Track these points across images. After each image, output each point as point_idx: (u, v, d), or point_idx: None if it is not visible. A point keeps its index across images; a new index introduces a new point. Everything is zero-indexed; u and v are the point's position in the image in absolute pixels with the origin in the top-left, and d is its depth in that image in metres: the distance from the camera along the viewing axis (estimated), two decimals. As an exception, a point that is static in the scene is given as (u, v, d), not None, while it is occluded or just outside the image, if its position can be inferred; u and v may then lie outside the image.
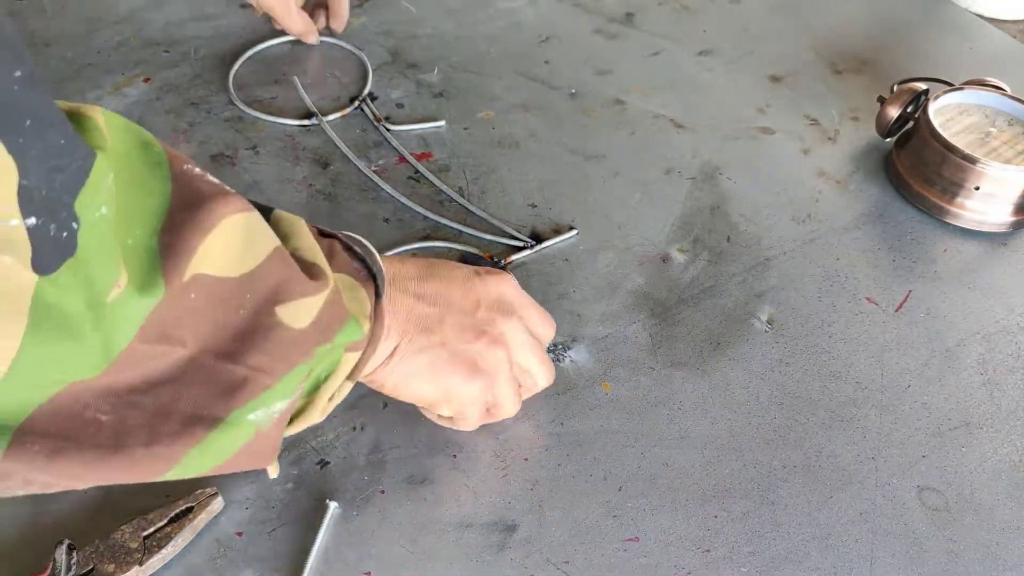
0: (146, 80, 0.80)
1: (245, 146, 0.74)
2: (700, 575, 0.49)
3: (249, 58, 0.83)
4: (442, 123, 0.78)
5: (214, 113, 0.77)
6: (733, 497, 0.53)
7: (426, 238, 0.67)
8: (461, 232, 0.68)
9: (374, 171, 0.72)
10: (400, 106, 0.79)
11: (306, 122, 0.76)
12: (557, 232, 0.68)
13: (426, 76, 0.83)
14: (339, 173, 0.72)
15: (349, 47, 0.85)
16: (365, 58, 0.84)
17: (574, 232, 0.68)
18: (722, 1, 0.96)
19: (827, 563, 0.50)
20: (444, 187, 0.70)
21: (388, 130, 0.76)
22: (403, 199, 0.70)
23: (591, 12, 0.93)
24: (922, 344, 0.62)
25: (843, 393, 0.59)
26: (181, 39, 0.85)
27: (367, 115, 0.78)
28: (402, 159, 0.74)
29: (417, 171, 0.73)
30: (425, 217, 0.69)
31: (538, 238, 0.68)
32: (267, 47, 0.85)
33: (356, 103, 0.78)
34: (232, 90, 0.79)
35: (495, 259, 0.66)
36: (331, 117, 0.77)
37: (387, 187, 0.70)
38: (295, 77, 0.81)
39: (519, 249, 0.67)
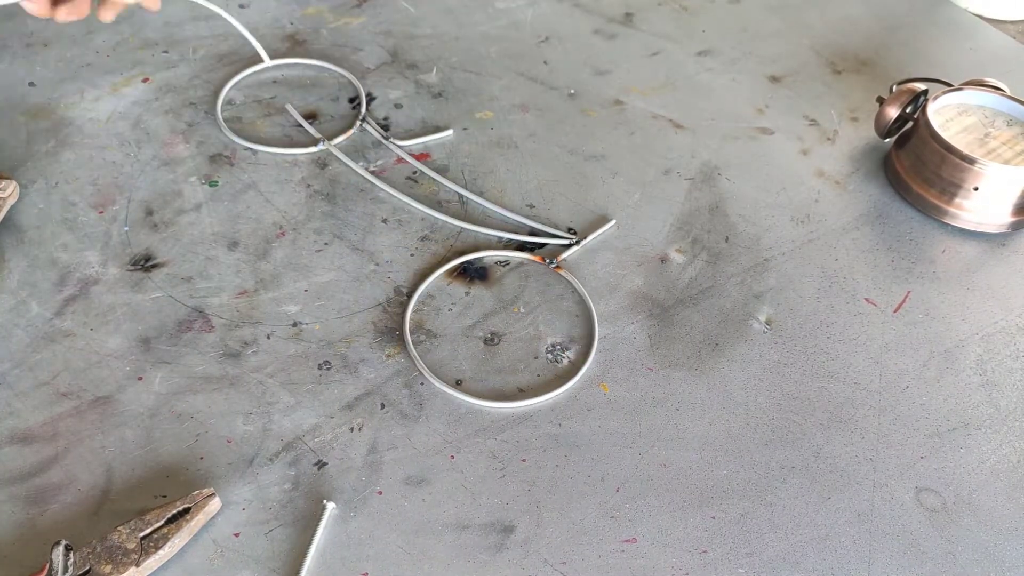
0: (145, 80, 0.80)
1: (243, 146, 0.74)
2: (698, 576, 0.49)
3: (233, 86, 0.80)
4: (449, 132, 0.77)
5: (212, 113, 0.77)
6: (731, 498, 0.53)
7: (424, 239, 0.67)
8: (461, 231, 0.68)
9: (372, 171, 0.72)
10: (399, 106, 0.79)
11: (313, 149, 0.74)
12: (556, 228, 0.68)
13: (425, 76, 0.83)
14: (337, 173, 0.72)
15: (330, 67, 0.82)
16: (353, 79, 0.81)
17: (612, 223, 0.69)
18: (721, 1, 0.96)
19: (825, 564, 0.50)
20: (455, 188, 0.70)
21: (397, 145, 0.75)
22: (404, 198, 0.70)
23: (590, 12, 0.93)
24: (921, 345, 0.62)
25: (841, 394, 0.59)
26: (180, 39, 0.85)
27: (372, 133, 0.76)
28: (400, 159, 0.74)
29: (415, 171, 0.73)
30: (423, 217, 0.69)
31: (574, 232, 0.69)
32: (248, 76, 0.81)
33: (358, 124, 0.76)
34: (224, 128, 0.75)
35: (547, 260, 0.65)
36: (337, 140, 0.75)
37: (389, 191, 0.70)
38: (288, 105, 0.78)
39: (566, 247, 0.67)
